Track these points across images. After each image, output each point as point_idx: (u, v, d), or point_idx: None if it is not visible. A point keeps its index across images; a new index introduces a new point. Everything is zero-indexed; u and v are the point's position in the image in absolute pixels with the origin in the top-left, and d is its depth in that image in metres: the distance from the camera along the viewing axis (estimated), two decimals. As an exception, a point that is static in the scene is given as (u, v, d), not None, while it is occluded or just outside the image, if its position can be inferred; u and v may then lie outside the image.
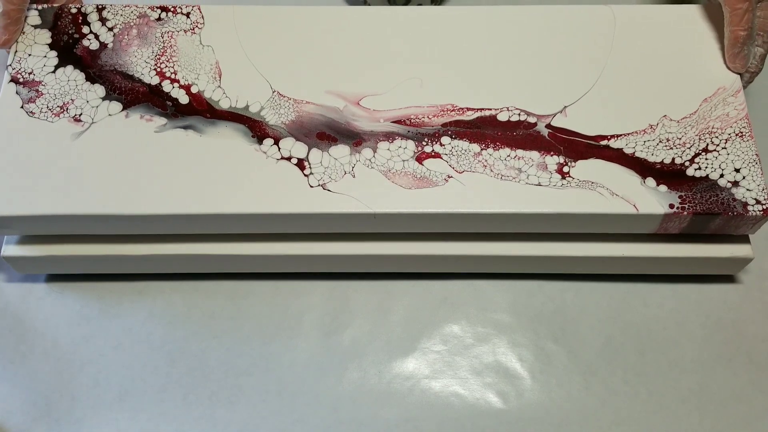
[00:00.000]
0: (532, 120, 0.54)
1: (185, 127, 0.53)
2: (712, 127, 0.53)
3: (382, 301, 0.58)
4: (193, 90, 0.55)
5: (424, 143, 0.53)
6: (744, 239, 0.55)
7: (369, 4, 0.68)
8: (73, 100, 0.54)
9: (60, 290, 0.58)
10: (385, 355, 0.56)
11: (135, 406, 0.54)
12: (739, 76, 0.55)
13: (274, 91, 0.55)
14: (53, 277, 0.58)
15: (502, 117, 0.54)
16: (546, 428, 0.53)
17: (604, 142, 0.53)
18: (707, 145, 0.53)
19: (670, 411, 0.54)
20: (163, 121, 0.53)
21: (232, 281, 0.58)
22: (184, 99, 0.54)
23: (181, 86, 0.55)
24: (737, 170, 0.52)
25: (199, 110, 0.54)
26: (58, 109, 0.54)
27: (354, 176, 0.52)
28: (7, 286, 0.58)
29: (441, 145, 0.53)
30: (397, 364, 0.56)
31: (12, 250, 0.54)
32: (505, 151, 0.53)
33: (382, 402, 0.54)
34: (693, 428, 0.53)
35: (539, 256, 0.55)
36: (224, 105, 0.54)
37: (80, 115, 0.54)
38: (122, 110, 0.54)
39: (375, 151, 0.52)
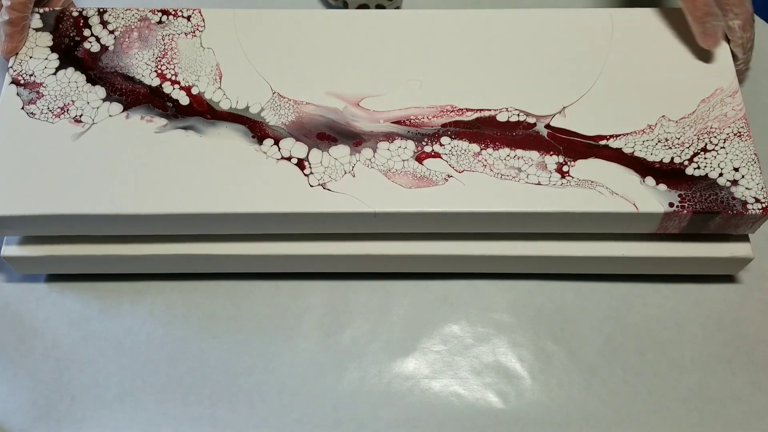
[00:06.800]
0: (531, 120, 0.54)
1: (186, 128, 0.53)
2: (711, 127, 0.53)
3: (382, 301, 0.58)
4: (194, 91, 0.55)
5: (424, 143, 0.53)
6: (744, 239, 0.55)
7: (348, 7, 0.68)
8: (73, 102, 0.54)
9: (60, 290, 0.58)
10: (385, 355, 0.56)
11: (135, 406, 0.54)
12: (736, 76, 0.55)
13: (275, 93, 0.55)
14: (53, 277, 0.58)
15: (502, 117, 0.54)
16: (546, 428, 0.53)
17: (603, 142, 0.53)
18: (706, 144, 0.53)
19: (670, 411, 0.54)
20: (163, 121, 0.54)
21: (232, 281, 0.58)
22: (184, 100, 0.55)
23: (181, 88, 0.55)
24: (736, 169, 0.52)
25: (199, 111, 0.54)
26: (59, 110, 0.54)
27: (354, 176, 0.52)
28: (7, 286, 0.58)
29: (441, 145, 0.53)
30: (397, 364, 0.55)
31: (12, 250, 0.54)
32: (505, 151, 0.53)
33: (382, 402, 0.54)
34: (693, 428, 0.53)
35: (539, 256, 0.55)
36: (224, 106, 0.54)
37: (81, 116, 0.54)
38: (123, 111, 0.54)
39: (375, 151, 0.53)
